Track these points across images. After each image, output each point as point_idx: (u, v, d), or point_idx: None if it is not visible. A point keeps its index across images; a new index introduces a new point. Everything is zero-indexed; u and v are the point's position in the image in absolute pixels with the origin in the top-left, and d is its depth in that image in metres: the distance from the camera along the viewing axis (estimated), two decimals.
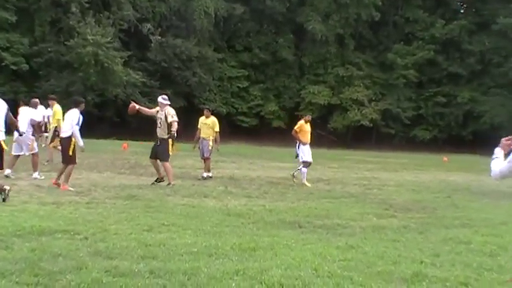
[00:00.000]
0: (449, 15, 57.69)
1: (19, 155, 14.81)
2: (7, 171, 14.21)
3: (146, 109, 15.41)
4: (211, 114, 17.94)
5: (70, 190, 12.41)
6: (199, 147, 17.55)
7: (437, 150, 48.28)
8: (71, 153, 12.73)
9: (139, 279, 5.82)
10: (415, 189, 16.41)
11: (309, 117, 17.86)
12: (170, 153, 14.68)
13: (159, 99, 14.98)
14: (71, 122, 12.83)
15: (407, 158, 33.98)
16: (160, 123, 14.64)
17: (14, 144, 14.71)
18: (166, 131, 14.55)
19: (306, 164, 16.78)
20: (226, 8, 53.03)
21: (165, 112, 14.59)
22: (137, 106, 14.70)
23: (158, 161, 14.66)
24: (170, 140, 14.61)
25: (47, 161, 18.26)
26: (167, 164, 14.52)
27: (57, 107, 19.05)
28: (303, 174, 16.63)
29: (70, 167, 12.81)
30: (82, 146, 13.17)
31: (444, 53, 55.96)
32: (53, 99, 19.70)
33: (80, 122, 12.87)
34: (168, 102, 14.95)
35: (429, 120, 55.55)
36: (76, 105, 13.18)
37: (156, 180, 14.52)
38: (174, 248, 7.25)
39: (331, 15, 54.88)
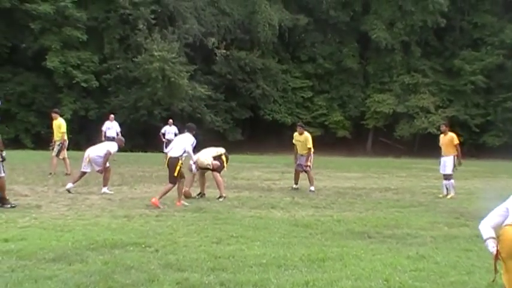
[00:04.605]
0: None
1: (86, 172, 15.08)
2: (69, 185, 14.55)
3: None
4: (305, 130, 18.06)
5: (184, 205, 12.68)
6: (296, 162, 17.69)
7: (509, 156, 46.93)
8: (176, 174, 12.88)
9: None
10: (487, 197, 15.97)
11: (442, 128, 17.30)
12: (225, 165, 14.81)
13: None
14: (185, 145, 13.20)
15: (477, 165, 33.18)
16: None
17: (84, 161, 15.02)
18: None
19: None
20: (291, 19, 53.15)
21: None
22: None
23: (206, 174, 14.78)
24: (224, 157, 14.78)
25: (50, 174, 18.70)
26: (218, 176, 14.46)
27: (61, 120, 19.82)
28: (447, 186, 16.42)
29: (170, 186, 12.92)
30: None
31: None
32: (56, 112, 20.41)
33: (194, 145, 13.45)
34: None
35: (499, 126, 53.99)
36: (190, 131, 13.74)
37: (198, 194, 14.55)
38: (243, 259, 7.29)
39: (396, 23, 54.21)
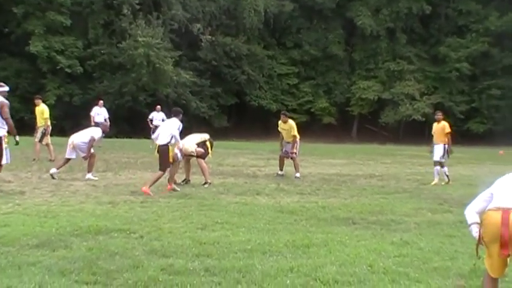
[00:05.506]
0: (504, 7, 56.24)
1: (70, 159, 14.95)
2: (53, 170, 14.43)
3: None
4: (289, 118, 17.86)
5: (175, 189, 12.76)
6: (281, 149, 17.64)
7: (493, 143, 47.22)
8: (171, 160, 12.93)
9: (195, 277, 5.88)
10: (471, 184, 16.05)
11: (438, 116, 17.25)
12: (209, 151, 14.77)
13: None
14: (171, 130, 13.07)
15: (461, 152, 33.24)
16: None
17: (68, 147, 14.89)
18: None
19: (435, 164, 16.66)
20: (276, 5, 53.00)
21: None
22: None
23: (191, 161, 14.75)
24: (208, 143, 14.78)
25: (34, 160, 18.65)
26: (203, 162, 14.40)
27: (43, 106, 19.82)
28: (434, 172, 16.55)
29: (160, 173, 12.86)
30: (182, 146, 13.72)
31: (499, 45, 54.63)
32: (39, 98, 20.44)
33: (180, 129, 13.34)
34: None
35: (484, 113, 54.38)
36: (176, 115, 13.58)
37: (183, 181, 14.50)
38: (228, 245, 7.29)
39: (381, 9, 54.35)
